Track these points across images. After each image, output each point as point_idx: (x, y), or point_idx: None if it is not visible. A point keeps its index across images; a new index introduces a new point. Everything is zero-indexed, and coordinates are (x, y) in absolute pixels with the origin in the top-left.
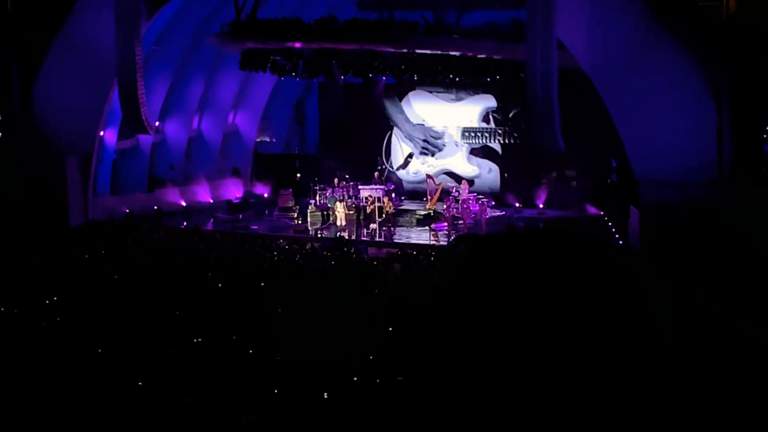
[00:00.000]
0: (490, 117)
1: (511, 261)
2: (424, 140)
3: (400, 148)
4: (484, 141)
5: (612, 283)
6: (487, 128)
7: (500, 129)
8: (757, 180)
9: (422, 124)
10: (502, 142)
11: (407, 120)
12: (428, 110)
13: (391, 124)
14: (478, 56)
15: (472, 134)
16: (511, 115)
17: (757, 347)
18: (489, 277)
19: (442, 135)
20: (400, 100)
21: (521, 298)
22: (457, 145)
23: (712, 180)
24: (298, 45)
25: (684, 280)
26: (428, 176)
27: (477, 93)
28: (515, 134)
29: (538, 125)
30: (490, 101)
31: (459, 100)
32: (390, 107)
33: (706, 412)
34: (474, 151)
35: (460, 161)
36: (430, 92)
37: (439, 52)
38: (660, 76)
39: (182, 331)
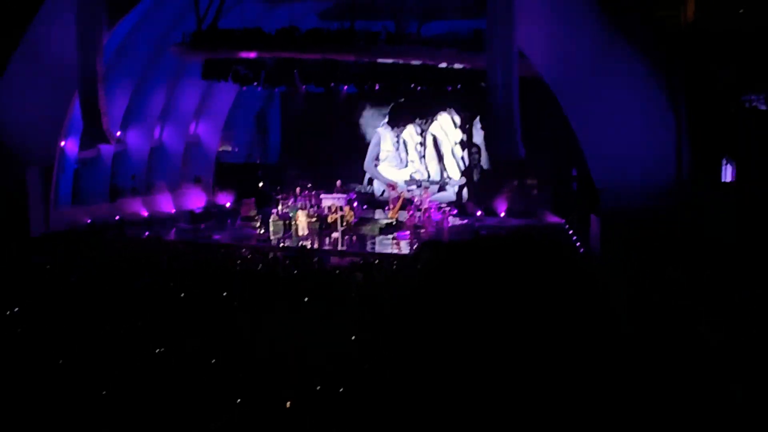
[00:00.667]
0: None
1: (474, 266)
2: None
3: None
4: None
5: (571, 282)
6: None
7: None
8: (716, 186)
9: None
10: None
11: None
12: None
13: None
14: (440, 65)
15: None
16: (467, 126)
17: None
18: (453, 281)
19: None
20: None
21: (484, 299)
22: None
23: (671, 188)
24: (259, 55)
25: (643, 283)
26: (390, 185)
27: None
28: (474, 147)
29: (499, 133)
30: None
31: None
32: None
33: (660, 396)
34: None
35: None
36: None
37: (400, 61)
38: (619, 84)
39: (145, 341)
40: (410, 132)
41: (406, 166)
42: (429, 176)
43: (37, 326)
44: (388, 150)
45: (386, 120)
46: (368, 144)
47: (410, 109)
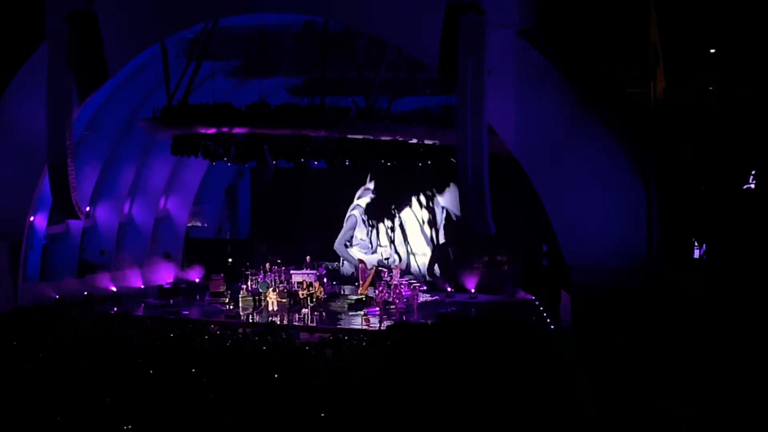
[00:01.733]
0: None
1: (442, 348)
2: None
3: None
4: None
5: (536, 365)
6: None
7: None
8: (686, 265)
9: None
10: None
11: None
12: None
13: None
14: (410, 141)
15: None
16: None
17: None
18: (421, 363)
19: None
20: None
21: (451, 382)
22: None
23: (642, 265)
24: (229, 130)
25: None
26: (360, 261)
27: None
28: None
29: (470, 209)
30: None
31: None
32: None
33: None
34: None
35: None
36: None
37: (371, 137)
38: (589, 160)
39: (112, 418)
40: (383, 219)
41: (375, 251)
42: (399, 260)
43: (4, 402)
44: (361, 237)
45: (363, 208)
46: (339, 220)
47: (385, 198)
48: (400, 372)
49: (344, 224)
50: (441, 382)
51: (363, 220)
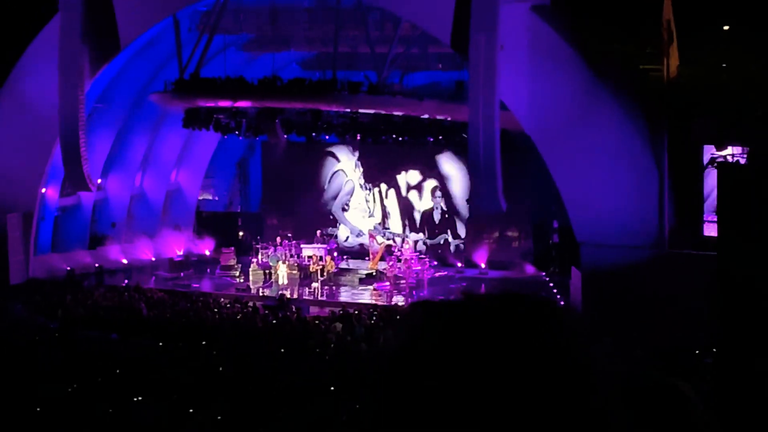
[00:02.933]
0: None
1: (468, 327)
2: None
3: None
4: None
5: (560, 346)
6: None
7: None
8: (696, 243)
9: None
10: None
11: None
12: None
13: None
14: (421, 116)
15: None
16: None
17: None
18: (446, 342)
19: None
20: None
21: (478, 363)
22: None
23: (653, 242)
24: (241, 103)
25: (623, 337)
26: (370, 234)
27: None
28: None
29: (480, 186)
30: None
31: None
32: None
33: None
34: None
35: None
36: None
37: (382, 111)
38: (602, 137)
39: (122, 389)
40: (381, 186)
41: (372, 216)
42: (390, 228)
43: (16, 373)
44: (358, 201)
45: (361, 172)
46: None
47: (384, 164)
48: (424, 352)
49: (342, 188)
50: (466, 362)
51: (360, 185)
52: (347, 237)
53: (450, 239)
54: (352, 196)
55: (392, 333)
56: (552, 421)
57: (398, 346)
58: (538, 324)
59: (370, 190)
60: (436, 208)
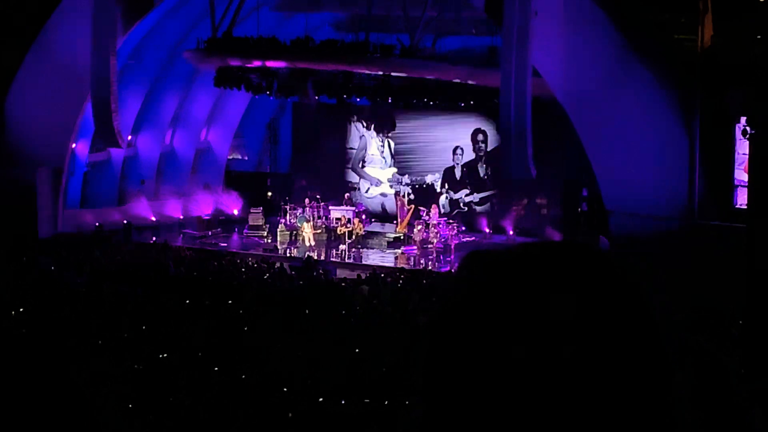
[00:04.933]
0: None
1: (531, 277)
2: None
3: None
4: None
5: (635, 299)
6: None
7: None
8: (727, 214)
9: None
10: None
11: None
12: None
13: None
14: (453, 81)
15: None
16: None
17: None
18: (508, 293)
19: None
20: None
21: (543, 314)
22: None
23: (682, 213)
24: (273, 64)
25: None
26: (399, 198)
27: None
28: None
29: (511, 152)
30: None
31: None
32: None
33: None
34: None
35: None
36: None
37: (414, 75)
38: (633, 107)
39: (148, 346)
40: (393, 136)
41: (391, 166)
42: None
43: (42, 327)
44: (373, 153)
45: (373, 126)
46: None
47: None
48: (483, 303)
49: (357, 146)
50: (532, 311)
51: (373, 137)
52: (368, 188)
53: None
54: (366, 150)
55: (447, 286)
56: (626, 374)
57: (454, 296)
58: (610, 273)
59: (383, 141)
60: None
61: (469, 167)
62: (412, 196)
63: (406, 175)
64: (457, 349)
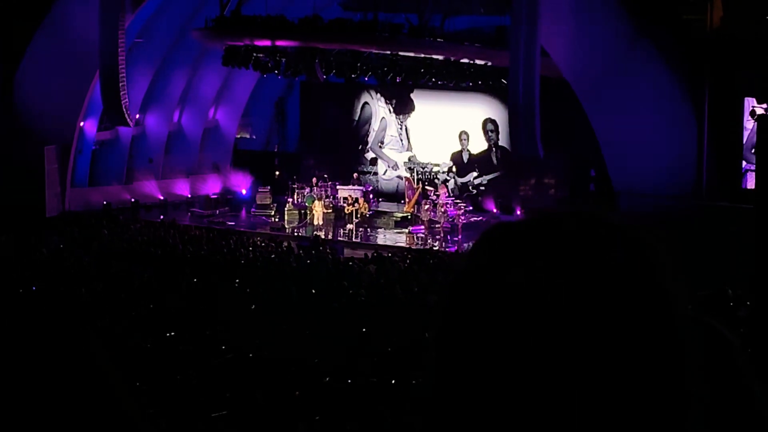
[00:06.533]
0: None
1: (540, 250)
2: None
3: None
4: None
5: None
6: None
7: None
8: (735, 195)
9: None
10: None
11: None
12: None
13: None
14: (461, 60)
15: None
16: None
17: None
18: (516, 268)
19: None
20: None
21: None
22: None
23: (690, 193)
24: (281, 43)
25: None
26: (406, 178)
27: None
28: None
29: (519, 131)
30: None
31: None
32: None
33: None
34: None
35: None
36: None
37: (422, 54)
38: (642, 86)
39: (156, 324)
40: (413, 119)
41: (408, 150)
42: (425, 163)
43: (50, 305)
44: (392, 135)
45: (392, 107)
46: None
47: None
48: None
49: (377, 126)
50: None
51: (395, 123)
52: (385, 171)
53: (480, 179)
54: (386, 131)
55: (463, 257)
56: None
57: (471, 269)
58: (618, 245)
59: (401, 124)
60: (464, 150)
61: (481, 156)
62: (421, 177)
63: (416, 158)
64: (471, 318)
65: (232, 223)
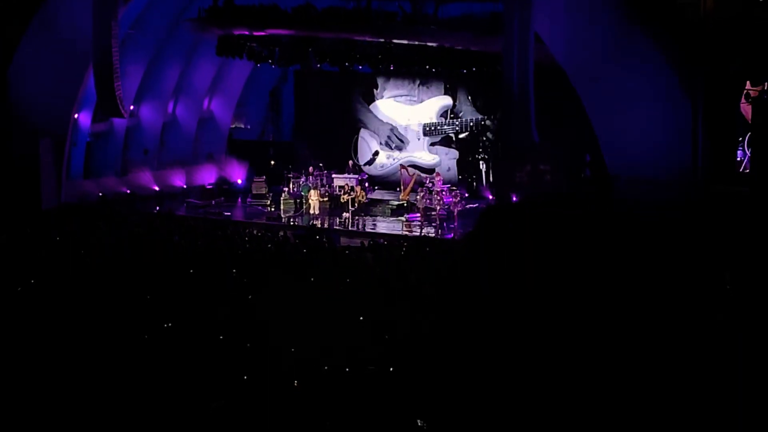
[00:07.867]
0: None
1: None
2: (388, 136)
3: (368, 146)
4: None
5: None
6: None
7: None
8: (730, 179)
9: (390, 125)
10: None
11: (375, 117)
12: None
13: (359, 126)
14: (455, 48)
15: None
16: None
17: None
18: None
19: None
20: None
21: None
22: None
23: (686, 178)
24: (275, 32)
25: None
26: (402, 167)
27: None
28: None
29: (513, 118)
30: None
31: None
32: (360, 109)
33: None
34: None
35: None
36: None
37: (416, 42)
38: (636, 71)
39: (153, 316)
40: (415, 115)
41: (412, 140)
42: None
43: (48, 299)
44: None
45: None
46: (380, 124)
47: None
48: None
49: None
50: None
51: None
52: (388, 159)
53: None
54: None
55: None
56: None
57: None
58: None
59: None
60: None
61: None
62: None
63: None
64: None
65: (228, 214)
